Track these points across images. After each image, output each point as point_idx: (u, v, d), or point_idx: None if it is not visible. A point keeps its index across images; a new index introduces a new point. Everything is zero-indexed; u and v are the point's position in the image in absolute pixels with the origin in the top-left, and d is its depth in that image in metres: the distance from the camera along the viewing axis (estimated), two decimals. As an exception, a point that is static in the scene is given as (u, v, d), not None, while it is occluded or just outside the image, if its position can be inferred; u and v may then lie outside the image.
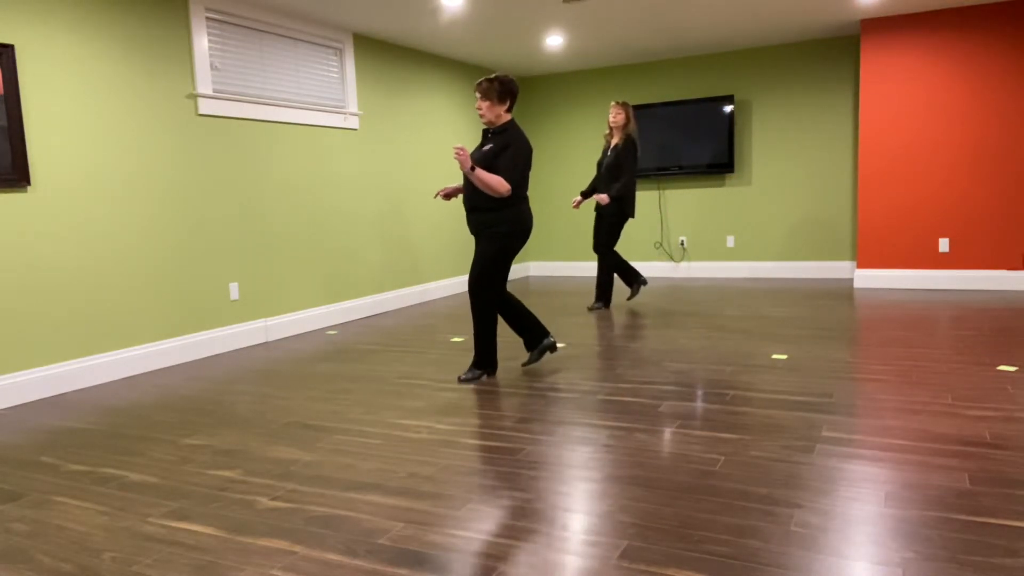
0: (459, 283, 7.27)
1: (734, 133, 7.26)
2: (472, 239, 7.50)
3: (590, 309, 5.85)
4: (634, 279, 5.86)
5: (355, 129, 5.91)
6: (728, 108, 7.21)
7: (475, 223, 3.70)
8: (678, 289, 6.85)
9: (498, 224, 3.62)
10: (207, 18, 4.65)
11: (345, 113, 5.77)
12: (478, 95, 3.61)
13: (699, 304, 5.91)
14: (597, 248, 5.73)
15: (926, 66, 6.09)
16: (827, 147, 7.04)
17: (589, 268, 8.29)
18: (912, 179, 6.24)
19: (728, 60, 7.36)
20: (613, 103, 5.55)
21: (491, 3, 5.19)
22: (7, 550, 2.09)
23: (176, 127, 4.49)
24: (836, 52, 6.91)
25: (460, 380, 3.79)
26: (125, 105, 4.20)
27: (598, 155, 8.04)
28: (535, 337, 3.94)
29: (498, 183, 3.51)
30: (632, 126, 5.52)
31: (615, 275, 5.78)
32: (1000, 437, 2.66)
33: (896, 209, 6.32)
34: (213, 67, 4.72)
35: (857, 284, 6.52)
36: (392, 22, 5.61)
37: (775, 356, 4.04)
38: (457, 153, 3.43)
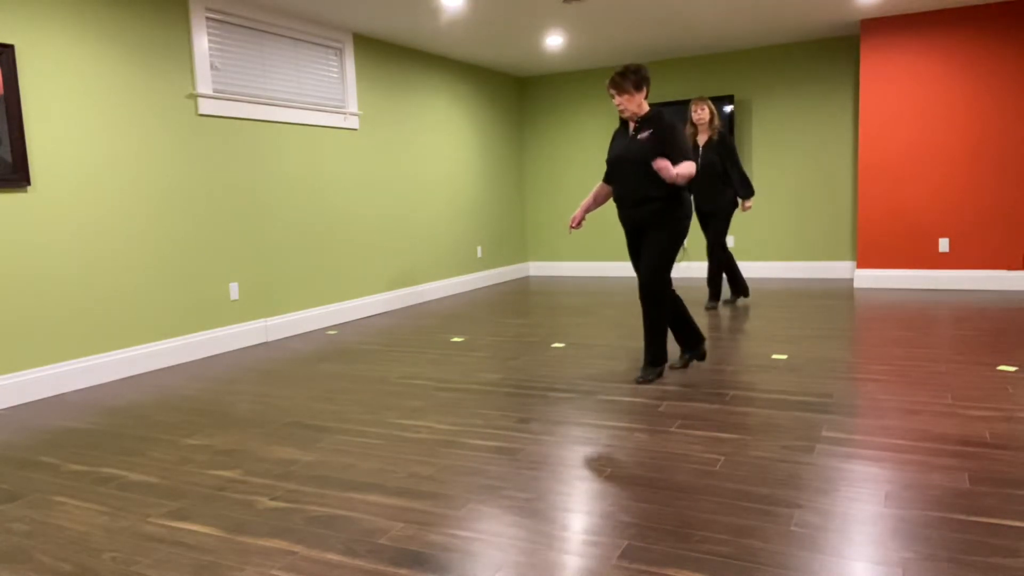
0: (459, 283, 7.27)
1: (734, 133, 7.25)
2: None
3: (707, 308, 5.69)
4: (741, 288, 5.79)
5: (355, 129, 5.91)
6: (728, 108, 7.21)
7: (647, 214, 3.51)
8: (678, 289, 6.84)
9: (675, 210, 3.50)
10: (207, 18, 4.65)
11: (345, 113, 5.77)
12: (613, 91, 3.48)
13: (699, 304, 5.90)
14: (714, 244, 5.58)
15: (926, 66, 6.09)
16: (827, 147, 7.04)
17: (590, 268, 8.29)
18: (912, 179, 6.24)
19: (728, 60, 7.36)
20: (695, 101, 5.41)
21: (491, 3, 5.19)
22: (7, 550, 2.09)
23: (176, 127, 4.49)
24: (836, 52, 6.91)
25: (639, 382, 3.60)
26: (125, 105, 4.20)
27: (598, 155, 8.04)
28: (691, 340, 3.79)
29: (692, 168, 3.37)
30: (717, 122, 5.41)
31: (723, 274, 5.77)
32: (1000, 437, 2.66)
33: (896, 209, 6.32)
34: (213, 67, 4.72)
35: (857, 284, 6.52)
36: (392, 22, 5.61)
37: (775, 356, 4.04)
38: (662, 167, 3.28)
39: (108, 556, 2.02)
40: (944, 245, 6.20)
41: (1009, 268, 6.03)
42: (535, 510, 2.20)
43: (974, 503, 2.12)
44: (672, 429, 2.89)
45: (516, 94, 8.32)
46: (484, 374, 3.91)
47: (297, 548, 2.02)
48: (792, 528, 2.02)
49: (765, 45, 7.13)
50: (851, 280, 6.96)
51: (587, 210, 3.79)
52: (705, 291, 6.63)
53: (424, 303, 6.63)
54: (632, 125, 3.59)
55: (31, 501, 2.44)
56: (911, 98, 6.17)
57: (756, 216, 7.38)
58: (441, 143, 7.00)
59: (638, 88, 3.46)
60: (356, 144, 5.93)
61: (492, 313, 5.90)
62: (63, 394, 3.88)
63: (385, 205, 6.27)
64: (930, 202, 6.21)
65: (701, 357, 3.86)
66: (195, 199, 4.61)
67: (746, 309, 5.58)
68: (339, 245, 5.77)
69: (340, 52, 5.77)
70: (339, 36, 5.71)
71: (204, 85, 4.62)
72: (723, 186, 5.45)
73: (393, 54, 6.33)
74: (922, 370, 3.62)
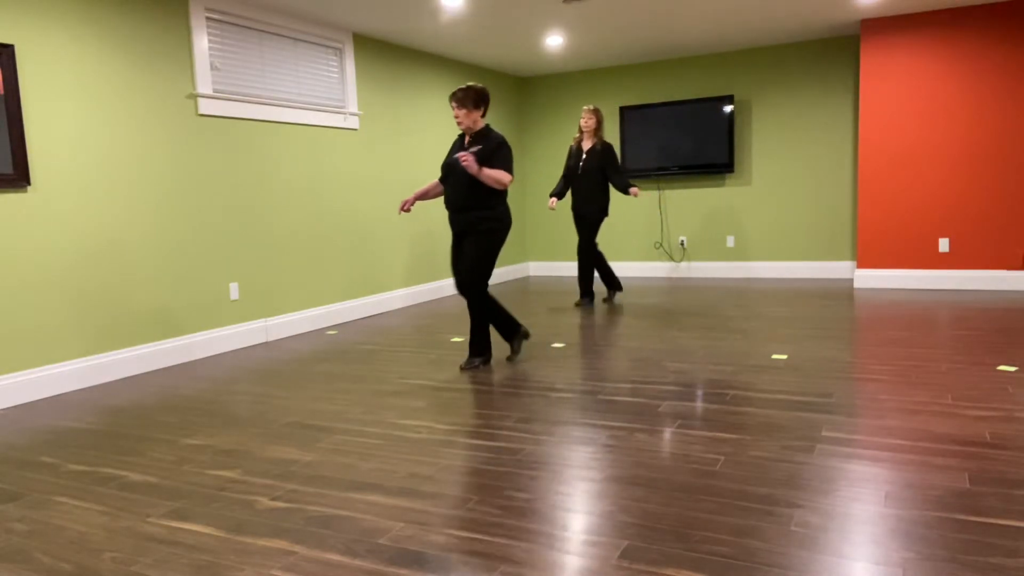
0: (459, 283, 7.27)
1: (734, 133, 7.26)
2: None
3: (605, 301, 6.20)
4: (614, 284, 6.21)
5: (355, 129, 5.91)
6: (728, 108, 7.21)
7: (465, 221, 3.91)
8: (678, 289, 6.85)
9: (490, 220, 3.89)
10: (207, 18, 4.65)
11: (345, 113, 5.77)
12: (454, 104, 3.85)
13: (699, 304, 5.91)
14: (588, 246, 5.98)
15: (926, 66, 6.09)
16: (827, 147, 7.04)
17: (589, 268, 8.28)
18: (912, 179, 6.24)
19: (728, 60, 7.36)
20: (585, 108, 5.85)
21: (491, 3, 5.19)
22: (7, 550, 2.09)
23: (176, 127, 4.49)
24: (836, 52, 6.91)
25: (463, 368, 4.02)
26: (125, 105, 4.20)
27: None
28: (510, 330, 4.15)
29: (504, 175, 3.81)
30: (602, 131, 5.92)
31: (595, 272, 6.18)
32: (1000, 437, 2.66)
33: (896, 209, 6.32)
34: (213, 67, 4.72)
35: (857, 284, 6.52)
36: (392, 22, 5.61)
37: (775, 356, 4.04)
38: (465, 160, 3.68)
39: (108, 556, 2.02)
40: (944, 245, 6.20)
41: (1009, 268, 6.03)
42: (535, 510, 2.20)
43: (974, 503, 2.12)
44: (672, 429, 2.89)
45: (516, 94, 8.32)
46: (484, 374, 3.91)
47: (297, 548, 2.02)
48: (792, 528, 2.02)
49: (765, 45, 7.13)
50: (851, 280, 6.96)
51: (419, 198, 4.10)
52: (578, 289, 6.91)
53: (424, 303, 6.63)
54: (467, 138, 3.95)
55: (31, 501, 2.44)
56: (911, 98, 6.17)
57: (756, 216, 7.39)
58: (441, 143, 7.00)
59: (476, 106, 3.86)
60: (356, 144, 5.93)
61: (492, 313, 5.90)
62: (63, 394, 3.88)
63: (385, 205, 6.27)
64: (930, 202, 6.21)
65: (526, 336, 4.25)
66: (195, 199, 4.61)
67: (746, 309, 5.58)
68: (339, 245, 5.77)
69: (340, 52, 5.76)
70: (339, 36, 5.71)
71: (204, 85, 4.62)
72: (600, 192, 5.87)
73: (393, 54, 6.33)
74: (922, 370, 3.62)
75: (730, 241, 7.53)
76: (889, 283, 6.40)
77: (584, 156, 5.87)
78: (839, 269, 7.11)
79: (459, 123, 3.88)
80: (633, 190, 5.80)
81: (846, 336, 4.47)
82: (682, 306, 5.86)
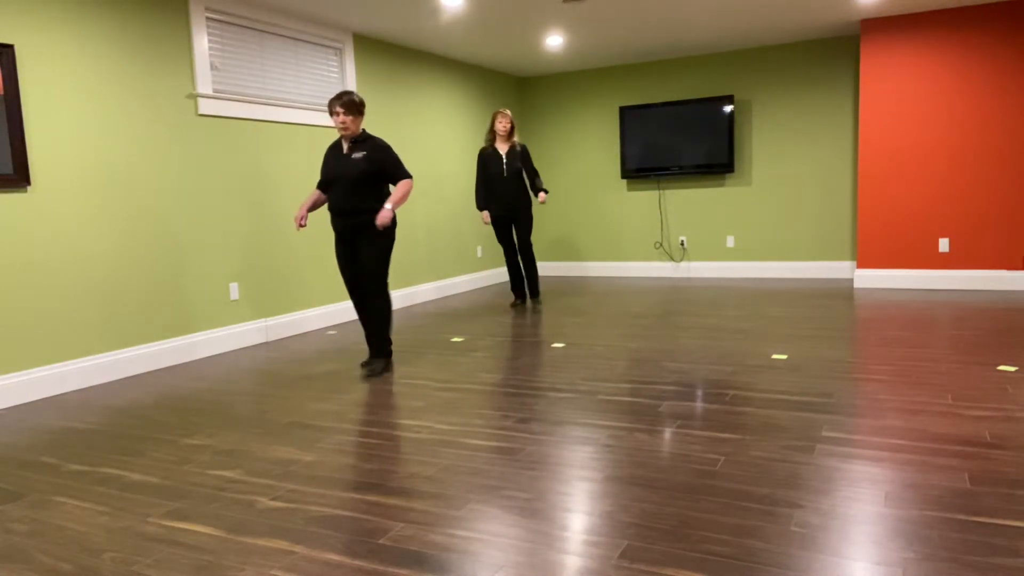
0: (459, 283, 7.27)
1: (734, 133, 7.26)
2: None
3: (513, 305, 6.22)
4: (523, 293, 6.27)
5: (355, 129, 5.90)
6: (728, 108, 7.21)
7: (359, 225, 3.91)
8: (678, 289, 6.85)
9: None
10: (207, 18, 4.65)
11: (345, 113, 5.76)
12: (341, 111, 3.84)
13: (699, 304, 5.91)
14: (528, 244, 6.06)
15: (926, 66, 6.09)
16: (827, 147, 7.04)
17: (590, 268, 8.29)
18: (912, 179, 6.24)
19: (728, 60, 7.36)
20: (502, 112, 5.91)
21: (491, 3, 5.19)
22: (7, 550, 2.09)
23: (176, 127, 4.49)
24: (836, 52, 6.91)
25: (368, 376, 3.99)
26: (125, 105, 4.20)
27: (598, 156, 8.05)
28: (385, 343, 4.13)
29: (407, 185, 3.94)
30: (516, 134, 6.02)
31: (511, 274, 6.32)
32: (1000, 437, 2.66)
33: (896, 209, 6.32)
34: (213, 67, 4.72)
35: (857, 284, 6.52)
36: (392, 22, 5.61)
37: (775, 356, 4.04)
38: (385, 217, 3.81)
39: (108, 556, 2.02)
40: (944, 245, 6.20)
41: (1009, 268, 6.03)
42: (535, 510, 2.20)
43: (974, 503, 2.12)
44: (672, 429, 2.89)
45: (516, 94, 8.32)
46: (484, 374, 3.91)
47: (297, 548, 2.02)
48: (792, 528, 2.02)
49: (765, 45, 7.13)
50: (851, 280, 6.96)
51: (309, 210, 4.09)
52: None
53: (424, 303, 6.63)
54: (347, 144, 3.94)
55: (31, 501, 2.44)
56: (911, 98, 6.17)
57: (756, 216, 7.39)
58: (441, 143, 7.00)
59: (361, 113, 3.93)
60: (356, 144, 5.92)
61: (492, 313, 5.90)
62: (63, 394, 3.88)
63: (385, 205, 6.26)
64: (930, 202, 6.21)
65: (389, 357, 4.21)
66: (195, 199, 4.61)
67: (746, 309, 5.58)
68: (339, 245, 5.77)
69: (340, 52, 5.76)
70: (339, 36, 5.71)
71: (204, 85, 4.62)
72: (526, 191, 6.01)
73: (393, 54, 6.33)
74: (922, 370, 3.62)
75: (730, 241, 7.53)
76: (889, 283, 6.40)
77: (505, 159, 5.93)
78: (839, 269, 7.11)
79: (345, 129, 3.88)
80: (542, 195, 5.95)
81: (846, 336, 4.47)
82: (682, 306, 5.86)
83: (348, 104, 3.85)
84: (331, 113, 3.88)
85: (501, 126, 5.91)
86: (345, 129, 3.88)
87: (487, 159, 5.96)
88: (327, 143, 5.64)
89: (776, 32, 6.54)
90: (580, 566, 1.86)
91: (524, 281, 6.25)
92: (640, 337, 4.71)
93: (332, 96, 4.17)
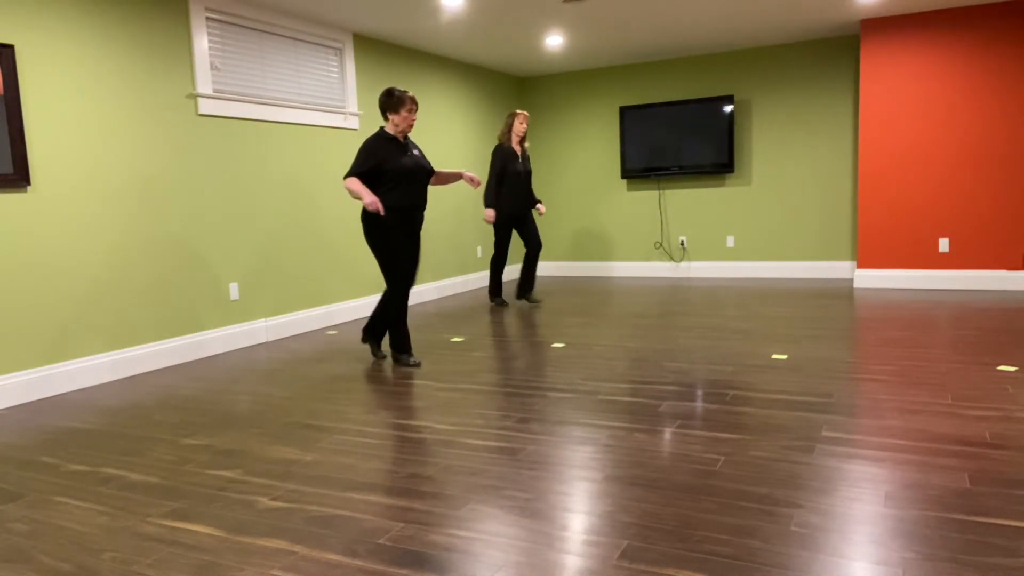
0: (458, 283, 7.27)
1: (734, 133, 7.26)
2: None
3: (506, 302, 6.27)
4: (499, 293, 6.27)
5: (355, 129, 5.91)
6: (728, 108, 7.21)
7: (421, 219, 4.16)
8: (678, 289, 6.85)
9: (369, 223, 4.04)
10: (207, 18, 4.65)
11: (345, 113, 5.77)
12: (415, 108, 3.99)
13: (699, 304, 5.91)
14: (538, 246, 6.20)
15: (926, 66, 6.09)
16: (827, 147, 7.04)
17: (590, 268, 8.29)
18: (912, 179, 6.24)
19: (728, 60, 7.36)
20: (523, 114, 5.95)
21: (491, 3, 5.19)
22: (7, 550, 2.09)
23: (176, 127, 4.49)
24: (836, 52, 6.91)
25: (413, 364, 4.15)
26: (125, 105, 4.20)
27: (598, 156, 8.05)
28: (378, 335, 4.37)
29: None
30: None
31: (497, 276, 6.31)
32: (1000, 437, 2.66)
33: (896, 209, 6.32)
34: (213, 67, 4.72)
35: (857, 284, 6.52)
36: (392, 22, 5.61)
37: (775, 356, 4.04)
38: (475, 179, 4.29)
39: (108, 556, 2.02)
40: (944, 245, 6.20)
41: (1009, 268, 6.03)
42: (535, 510, 2.20)
43: (974, 503, 2.12)
44: (672, 429, 2.89)
45: (516, 94, 8.32)
46: (484, 374, 3.91)
47: (297, 548, 2.02)
48: (792, 528, 2.02)
49: (765, 45, 7.13)
50: (851, 280, 6.96)
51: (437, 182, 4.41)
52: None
53: (424, 303, 6.63)
54: (402, 140, 4.07)
55: (31, 501, 2.44)
56: (911, 98, 6.17)
57: (756, 216, 7.39)
58: (441, 143, 7.00)
59: None
60: (356, 144, 5.92)
61: (492, 313, 5.90)
62: (63, 394, 3.88)
63: (385, 205, 6.26)
64: (930, 202, 6.21)
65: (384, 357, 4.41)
66: (195, 199, 4.61)
67: (746, 309, 5.58)
68: (339, 245, 5.77)
69: (340, 52, 5.76)
70: (339, 36, 5.71)
71: (204, 85, 4.62)
72: (532, 193, 6.22)
73: (393, 54, 6.33)
74: (922, 370, 3.62)
75: (730, 241, 7.53)
76: (889, 283, 6.40)
77: (521, 159, 6.02)
78: (839, 269, 7.11)
79: (410, 126, 4.02)
80: (541, 207, 6.16)
81: (846, 336, 4.47)
82: (682, 306, 5.86)
83: (416, 103, 4.03)
84: (408, 109, 3.94)
85: (523, 128, 5.95)
86: (410, 126, 4.03)
87: (509, 156, 5.93)
88: (327, 143, 5.64)
89: (776, 32, 6.54)
90: (580, 566, 1.86)
91: (502, 284, 6.31)
92: (640, 337, 4.71)
93: (399, 92, 3.93)
